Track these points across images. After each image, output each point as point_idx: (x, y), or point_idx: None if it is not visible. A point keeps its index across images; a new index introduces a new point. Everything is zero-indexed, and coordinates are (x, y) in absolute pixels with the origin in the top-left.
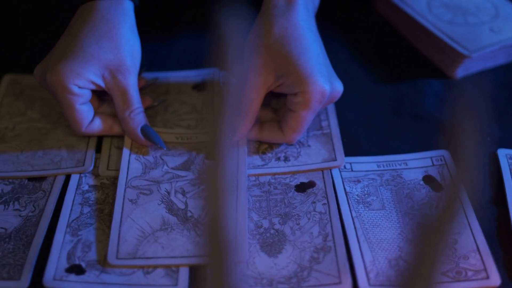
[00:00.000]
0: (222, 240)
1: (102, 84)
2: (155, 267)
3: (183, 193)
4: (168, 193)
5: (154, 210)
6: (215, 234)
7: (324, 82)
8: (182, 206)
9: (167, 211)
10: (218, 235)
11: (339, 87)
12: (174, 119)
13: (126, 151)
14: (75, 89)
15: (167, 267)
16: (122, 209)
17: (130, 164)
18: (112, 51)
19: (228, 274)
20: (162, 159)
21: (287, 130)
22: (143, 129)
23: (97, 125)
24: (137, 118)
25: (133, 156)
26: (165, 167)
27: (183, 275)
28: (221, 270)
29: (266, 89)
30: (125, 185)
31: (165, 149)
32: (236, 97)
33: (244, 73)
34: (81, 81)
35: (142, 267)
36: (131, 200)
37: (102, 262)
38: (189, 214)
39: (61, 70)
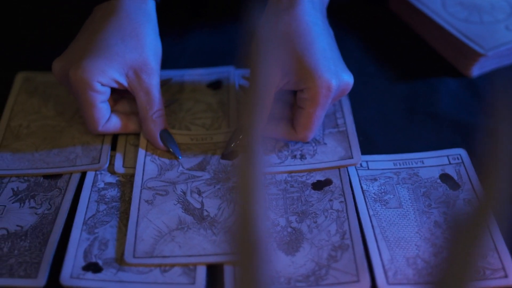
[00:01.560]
0: (252, 238)
1: (125, 83)
2: (172, 265)
3: (199, 193)
4: (184, 193)
5: (170, 210)
6: (245, 232)
7: (329, 76)
8: (198, 206)
9: (183, 211)
10: (248, 232)
11: (347, 79)
12: (189, 117)
13: (141, 153)
14: (98, 86)
15: (184, 265)
16: (139, 210)
17: (146, 165)
18: (137, 50)
19: (258, 272)
20: (177, 160)
21: (299, 128)
22: (162, 134)
23: (113, 124)
24: (158, 121)
25: (148, 157)
26: (181, 168)
27: (201, 273)
28: (251, 268)
29: (274, 88)
30: (141, 187)
31: (180, 158)
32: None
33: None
34: (104, 78)
35: (159, 265)
36: (147, 201)
37: (119, 260)
38: (205, 213)
39: (85, 67)
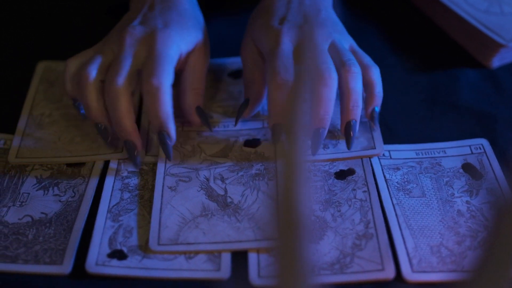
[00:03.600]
0: (295, 220)
1: (184, 55)
2: (197, 252)
3: (222, 180)
4: (207, 179)
5: (194, 196)
6: (288, 214)
7: (279, 28)
8: (221, 192)
9: (207, 197)
10: (291, 215)
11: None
12: (211, 105)
13: None
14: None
15: (209, 252)
16: (162, 196)
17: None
18: (199, 30)
19: (300, 256)
20: (200, 147)
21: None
22: (198, 108)
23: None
24: (197, 96)
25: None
26: (203, 154)
27: (226, 260)
28: (292, 252)
29: (254, 58)
30: (164, 173)
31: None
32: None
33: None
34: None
35: (183, 252)
36: (170, 188)
37: (144, 248)
38: (228, 200)
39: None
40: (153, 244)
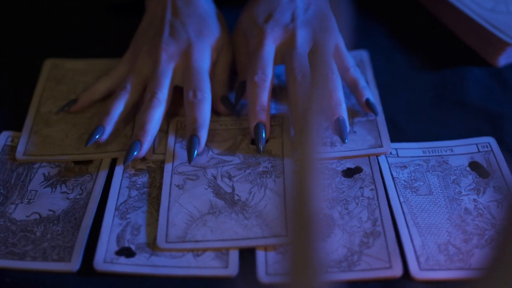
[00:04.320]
0: (308, 217)
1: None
2: (205, 250)
3: (230, 177)
4: (215, 177)
5: (202, 194)
6: (300, 213)
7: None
8: (229, 190)
9: (214, 195)
10: (304, 211)
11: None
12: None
13: (171, 139)
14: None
15: (217, 250)
16: (170, 195)
17: (176, 151)
18: (221, 29)
19: (312, 252)
20: (207, 146)
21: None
22: (223, 97)
23: None
24: (225, 86)
25: (178, 144)
26: (210, 152)
27: (233, 257)
28: (305, 248)
29: (244, 48)
30: (171, 172)
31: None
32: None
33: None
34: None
35: (191, 250)
36: (178, 186)
37: (152, 245)
38: (236, 197)
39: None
40: (161, 241)
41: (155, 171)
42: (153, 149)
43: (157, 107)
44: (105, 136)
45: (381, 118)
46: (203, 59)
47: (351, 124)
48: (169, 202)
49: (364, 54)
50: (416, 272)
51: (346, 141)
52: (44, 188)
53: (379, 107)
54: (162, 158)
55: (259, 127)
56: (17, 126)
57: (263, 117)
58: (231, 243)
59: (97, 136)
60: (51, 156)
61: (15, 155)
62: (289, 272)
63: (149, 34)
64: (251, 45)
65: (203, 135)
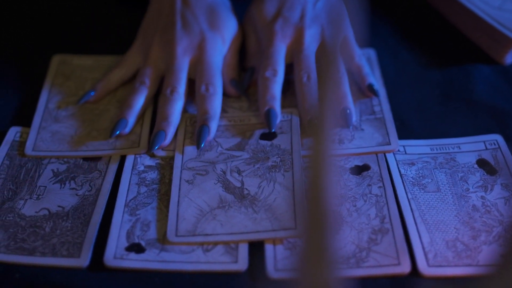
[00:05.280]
0: (321, 212)
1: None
2: (215, 243)
3: (239, 172)
4: (224, 172)
5: (211, 189)
6: (314, 206)
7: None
8: (238, 184)
9: (224, 190)
10: (319, 206)
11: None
12: (226, 100)
13: (180, 135)
14: None
15: (226, 243)
16: (179, 190)
17: (185, 147)
18: (231, 17)
19: (326, 246)
20: (216, 141)
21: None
22: (233, 81)
23: None
24: (234, 70)
25: (187, 140)
26: (220, 148)
27: (243, 252)
28: (319, 241)
29: (254, 40)
30: (181, 167)
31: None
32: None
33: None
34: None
35: (201, 243)
36: (187, 181)
37: (162, 241)
38: (245, 191)
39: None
40: (171, 235)
41: (164, 168)
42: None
43: (178, 100)
44: (128, 129)
45: (388, 116)
46: (216, 53)
47: (360, 121)
48: (178, 196)
49: (371, 53)
50: (424, 268)
51: (351, 127)
52: (53, 184)
53: (386, 105)
54: (171, 155)
55: (270, 112)
56: (25, 122)
57: (273, 103)
58: (240, 236)
59: (121, 129)
60: (60, 152)
61: (24, 150)
62: (301, 267)
63: (159, 24)
64: (262, 44)
65: (213, 126)
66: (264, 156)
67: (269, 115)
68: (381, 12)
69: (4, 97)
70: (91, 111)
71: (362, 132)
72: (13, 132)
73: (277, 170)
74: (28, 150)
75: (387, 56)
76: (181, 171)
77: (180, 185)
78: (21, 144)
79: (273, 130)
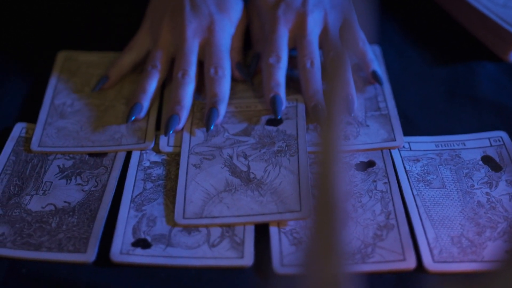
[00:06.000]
0: (331, 201)
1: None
2: (222, 225)
3: (245, 157)
4: (231, 157)
5: (218, 173)
6: (325, 195)
7: None
8: (244, 169)
9: (230, 174)
10: (328, 196)
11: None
12: (233, 85)
13: (187, 122)
14: None
15: (233, 225)
16: (187, 174)
17: (192, 133)
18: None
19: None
20: (223, 127)
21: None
22: (238, 64)
23: None
24: (239, 54)
25: (195, 126)
26: (226, 133)
27: (249, 247)
28: (329, 230)
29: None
30: (188, 152)
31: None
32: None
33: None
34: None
35: (208, 225)
36: (194, 165)
37: (168, 237)
38: (251, 175)
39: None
40: (178, 218)
41: (170, 164)
42: (167, 142)
43: (190, 83)
44: (143, 113)
45: (393, 112)
46: (225, 35)
47: (365, 117)
48: (186, 180)
49: (376, 49)
50: (429, 264)
51: (353, 115)
52: (59, 179)
53: (391, 102)
54: (177, 151)
55: (275, 98)
56: (31, 118)
57: (278, 90)
58: (247, 218)
59: (136, 113)
60: (66, 148)
61: (30, 146)
62: (310, 261)
63: (168, 6)
64: (265, 29)
65: (222, 108)
66: (270, 141)
67: (274, 102)
68: (387, 9)
69: (10, 93)
70: (97, 107)
71: (367, 128)
72: (19, 128)
73: (283, 155)
74: (34, 146)
75: (392, 53)
76: (188, 156)
77: (187, 169)
78: (27, 140)
79: (279, 117)
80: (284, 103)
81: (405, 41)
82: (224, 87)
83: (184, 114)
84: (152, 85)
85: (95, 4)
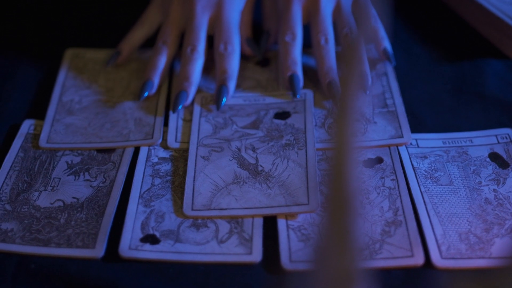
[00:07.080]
0: (344, 195)
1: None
2: (230, 217)
3: (253, 149)
4: (239, 149)
5: (226, 165)
6: (338, 189)
7: None
8: (253, 161)
9: (239, 166)
10: (341, 190)
11: None
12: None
13: (196, 111)
14: None
15: (241, 217)
16: (195, 165)
17: (201, 125)
18: None
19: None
20: (231, 120)
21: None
22: (248, 39)
23: None
24: (249, 29)
25: (203, 118)
26: (235, 126)
27: (257, 243)
28: (342, 223)
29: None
30: (197, 144)
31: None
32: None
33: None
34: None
35: (216, 217)
36: (203, 157)
37: (176, 233)
38: (259, 168)
39: None
40: (187, 209)
41: (178, 160)
42: (175, 137)
43: (198, 59)
44: (155, 89)
45: (401, 109)
46: (234, 10)
47: (372, 114)
48: (194, 172)
49: None
50: (437, 260)
51: (368, 92)
52: (68, 176)
53: (399, 99)
54: (185, 147)
55: (293, 77)
56: (39, 115)
57: (296, 68)
58: (254, 211)
59: (148, 90)
60: (74, 144)
61: (39, 143)
62: (323, 256)
63: None
64: (278, 5)
65: (232, 85)
66: (278, 135)
67: (292, 80)
68: (394, 6)
69: (18, 90)
70: (104, 104)
71: (374, 125)
72: (27, 125)
73: (291, 148)
74: (42, 142)
75: (399, 51)
76: (197, 148)
77: (196, 161)
78: (35, 136)
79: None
80: (301, 80)
81: (412, 39)
82: (233, 63)
83: (192, 90)
84: (162, 60)
85: (103, 2)
